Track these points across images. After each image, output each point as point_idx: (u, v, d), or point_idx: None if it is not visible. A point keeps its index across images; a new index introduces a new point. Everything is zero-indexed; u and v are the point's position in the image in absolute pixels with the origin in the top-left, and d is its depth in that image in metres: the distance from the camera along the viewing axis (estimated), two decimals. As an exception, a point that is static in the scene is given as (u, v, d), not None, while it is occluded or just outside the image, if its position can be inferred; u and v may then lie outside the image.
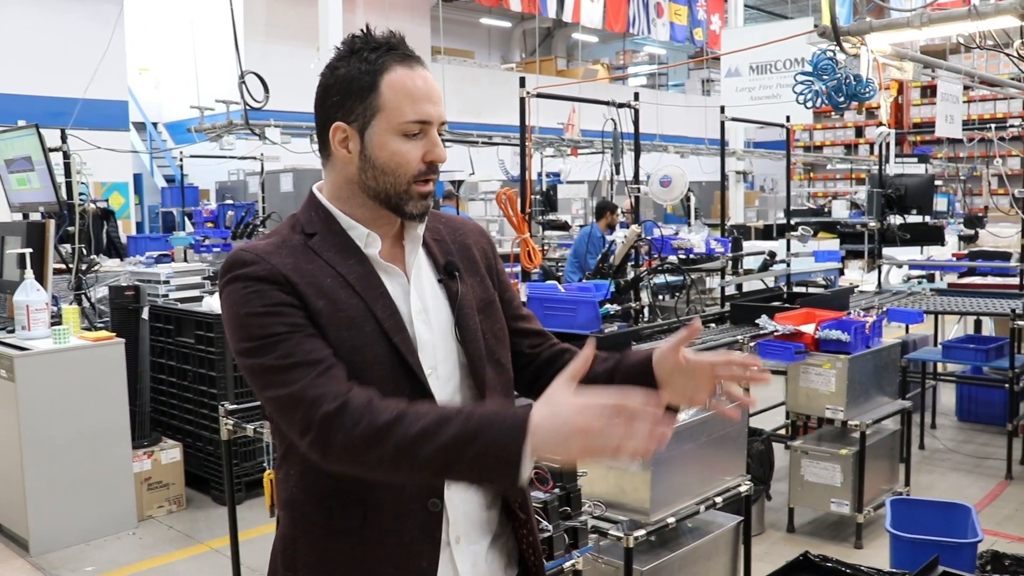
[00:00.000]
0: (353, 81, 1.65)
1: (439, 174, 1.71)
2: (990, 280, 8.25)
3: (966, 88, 8.21)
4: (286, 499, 1.73)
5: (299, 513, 1.70)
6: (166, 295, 6.63)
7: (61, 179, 6.12)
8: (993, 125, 9.55)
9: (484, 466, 1.41)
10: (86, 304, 6.21)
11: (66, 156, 6.17)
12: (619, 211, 9.32)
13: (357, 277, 1.66)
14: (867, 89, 5.02)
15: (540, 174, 12.28)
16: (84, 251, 6.32)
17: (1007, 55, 5.22)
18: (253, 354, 1.57)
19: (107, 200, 12.28)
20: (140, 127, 16.85)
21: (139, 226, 15.38)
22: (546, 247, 10.74)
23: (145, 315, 5.95)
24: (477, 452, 1.40)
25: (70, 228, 6.14)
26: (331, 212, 1.71)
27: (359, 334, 1.62)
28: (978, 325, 8.41)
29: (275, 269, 1.60)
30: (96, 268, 6.48)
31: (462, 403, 1.71)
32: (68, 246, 6.20)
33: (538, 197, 10.76)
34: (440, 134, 1.70)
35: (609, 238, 8.30)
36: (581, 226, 10.91)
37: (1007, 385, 6.39)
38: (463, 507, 1.72)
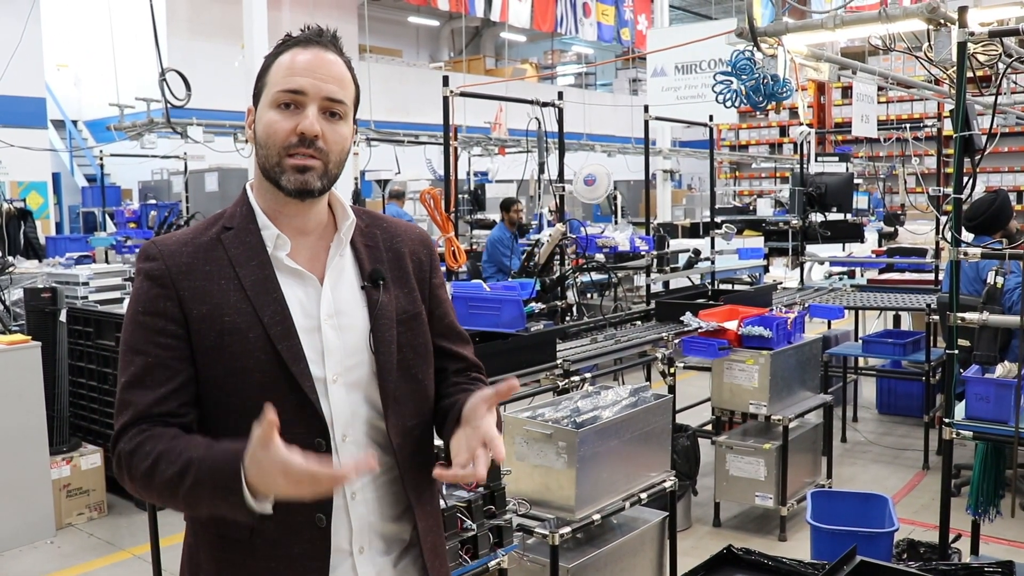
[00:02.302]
0: (261, 67, 1.71)
1: (318, 150, 1.63)
2: (908, 276, 8.46)
3: (883, 89, 8.40)
4: None
5: (198, 523, 1.71)
6: (86, 297, 6.49)
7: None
8: (908, 125, 9.78)
9: (214, 494, 1.49)
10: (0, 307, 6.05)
11: (-24, 154, 6.02)
12: (518, 206, 9.23)
13: (253, 281, 1.64)
14: (784, 89, 5.12)
15: (468, 173, 12.25)
16: (-2, 252, 6.16)
17: (916, 57, 5.35)
18: (120, 355, 1.66)
19: (24, 200, 11.96)
20: (60, 125, 16.40)
21: (59, 226, 14.98)
22: (475, 246, 10.72)
23: (63, 317, 5.81)
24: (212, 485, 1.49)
25: (-19, 229, 5.99)
26: (253, 208, 1.70)
27: (240, 340, 1.60)
28: (897, 320, 8.63)
29: (167, 272, 1.63)
30: (11, 269, 6.33)
31: (350, 417, 1.67)
32: (-20, 247, 6.04)
33: (466, 196, 10.76)
34: (335, 112, 1.66)
35: (535, 237, 8.29)
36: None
37: (924, 378, 6.57)
38: (368, 518, 1.69)
